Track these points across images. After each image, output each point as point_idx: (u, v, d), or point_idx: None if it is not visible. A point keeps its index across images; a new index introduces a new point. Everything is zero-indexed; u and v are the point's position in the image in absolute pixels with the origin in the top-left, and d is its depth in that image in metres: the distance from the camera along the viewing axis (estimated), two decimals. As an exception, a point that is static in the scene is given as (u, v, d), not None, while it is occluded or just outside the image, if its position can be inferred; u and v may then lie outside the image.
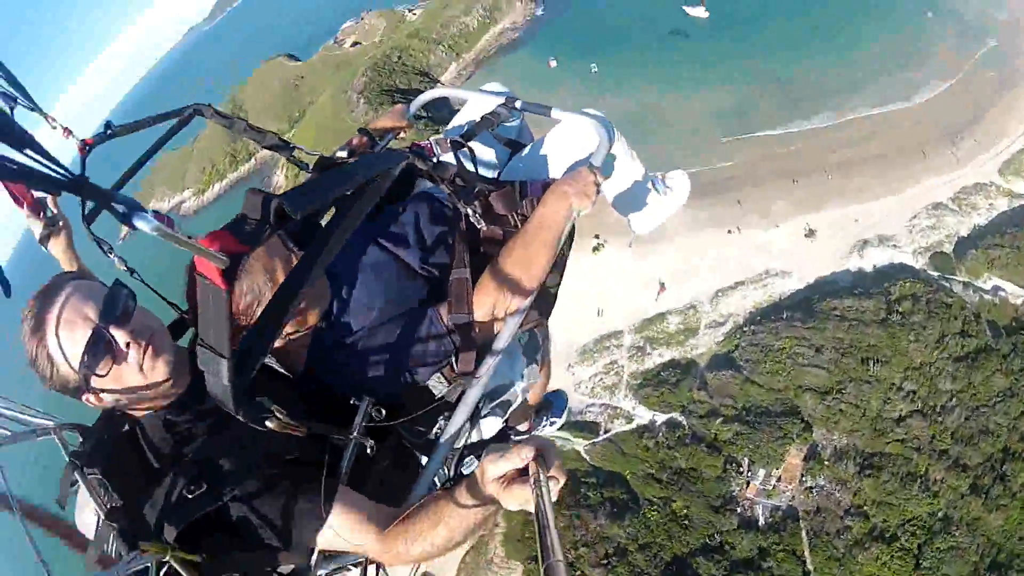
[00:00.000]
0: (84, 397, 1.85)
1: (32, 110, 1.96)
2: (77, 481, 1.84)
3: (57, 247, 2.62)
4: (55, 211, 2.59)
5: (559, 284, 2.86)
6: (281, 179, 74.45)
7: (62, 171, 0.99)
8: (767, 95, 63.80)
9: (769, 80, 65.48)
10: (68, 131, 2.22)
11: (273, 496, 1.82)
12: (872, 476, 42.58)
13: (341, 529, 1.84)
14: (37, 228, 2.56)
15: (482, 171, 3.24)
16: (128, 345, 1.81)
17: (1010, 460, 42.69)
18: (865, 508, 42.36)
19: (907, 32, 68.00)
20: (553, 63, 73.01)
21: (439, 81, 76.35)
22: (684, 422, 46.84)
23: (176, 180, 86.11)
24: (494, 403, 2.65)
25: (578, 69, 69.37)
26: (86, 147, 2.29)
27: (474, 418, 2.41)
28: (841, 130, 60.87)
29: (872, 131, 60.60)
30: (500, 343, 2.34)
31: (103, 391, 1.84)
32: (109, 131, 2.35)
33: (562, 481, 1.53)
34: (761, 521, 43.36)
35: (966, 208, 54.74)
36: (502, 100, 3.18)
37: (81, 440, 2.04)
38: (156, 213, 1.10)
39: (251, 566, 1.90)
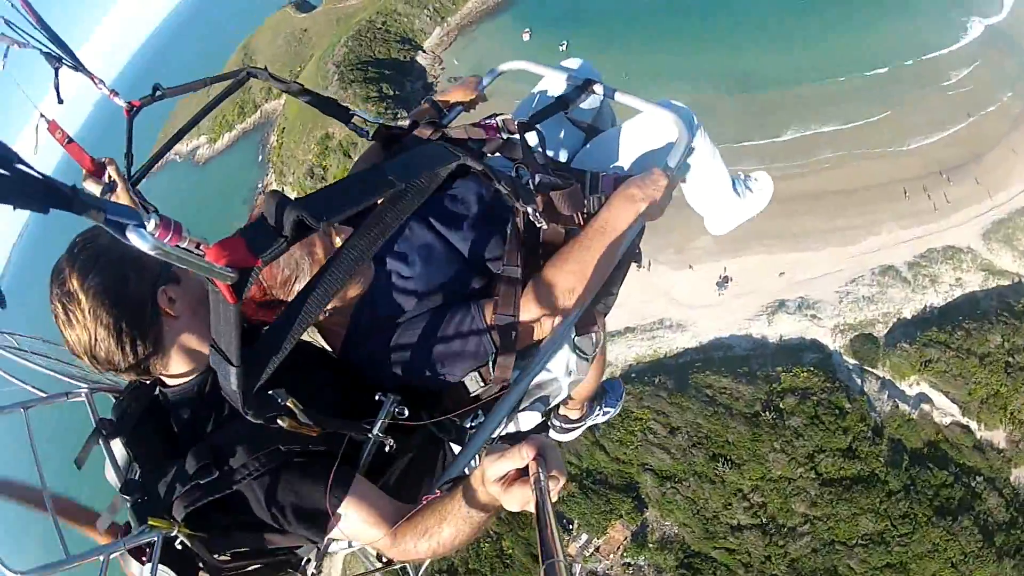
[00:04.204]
0: (161, 289, 1.67)
1: (77, 70, 1.88)
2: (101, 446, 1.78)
3: None
4: (113, 175, 2.16)
5: (622, 281, 2.40)
6: (273, 140, 69.69)
7: (53, 185, 0.89)
8: (731, 105, 48.64)
9: (740, 85, 50.32)
10: (115, 92, 2.11)
11: (285, 486, 1.66)
12: (688, 576, 35.24)
13: (350, 521, 1.68)
14: (96, 189, 2.16)
15: (551, 156, 2.65)
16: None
17: (850, 611, 33.14)
18: (678, 603, 35.52)
19: (928, 41, 49.16)
20: (527, 36, 62.12)
21: (421, 48, 66.65)
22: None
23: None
24: (535, 398, 2.24)
25: (549, 44, 57.51)
26: (132, 109, 2.16)
27: (512, 412, 2.11)
28: (807, 161, 45.98)
29: (843, 159, 45.58)
30: (543, 354, 2.00)
31: (175, 315, 1.70)
32: (158, 93, 2.18)
33: (562, 481, 1.37)
34: (575, 581, 38.37)
35: (922, 280, 39.96)
36: (581, 81, 2.65)
37: (113, 406, 1.91)
38: (163, 219, 0.90)
39: (258, 544, 1.76)
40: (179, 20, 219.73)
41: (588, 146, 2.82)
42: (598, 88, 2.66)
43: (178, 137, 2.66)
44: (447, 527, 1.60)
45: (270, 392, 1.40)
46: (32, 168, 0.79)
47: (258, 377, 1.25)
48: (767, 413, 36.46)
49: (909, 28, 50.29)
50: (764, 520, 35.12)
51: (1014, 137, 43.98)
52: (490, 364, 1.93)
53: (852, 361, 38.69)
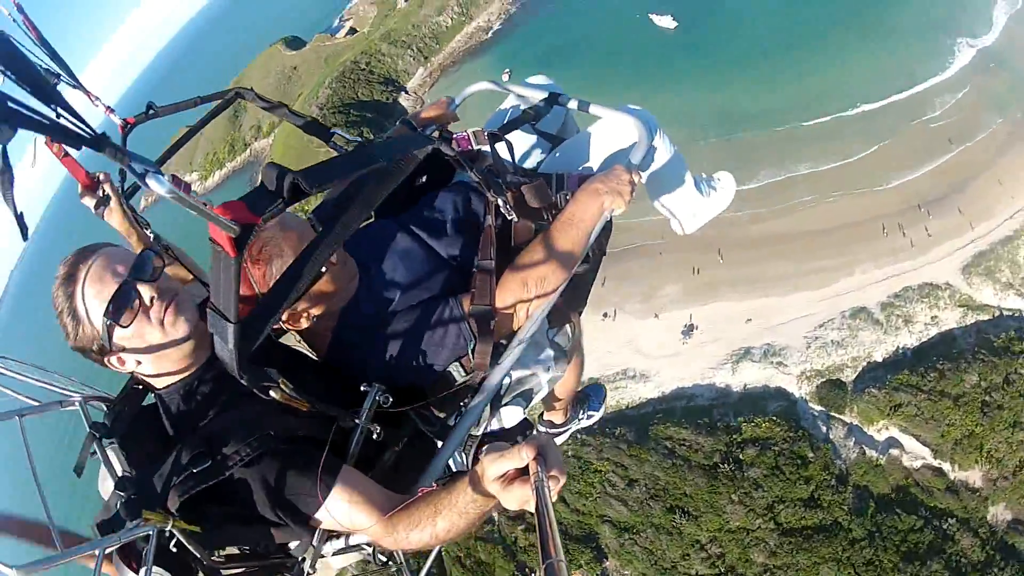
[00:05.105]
0: (106, 359, 1.69)
1: (74, 87, 1.92)
2: (96, 451, 1.79)
3: (113, 219, 2.30)
4: (107, 190, 2.23)
5: (593, 278, 2.54)
6: (260, 179, 71.60)
7: (85, 128, 0.94)
8: (707, 145, 47.28)
9: (717, 125, 48.82)
10: (110, 109, 2.16)
11: (276, 472, 1.66)
12: (648, 629, 34.25)
13: (341, 509, 1.67)
14: (91, 203, 2.24)
15: (520, 165, 2.78)
16: (152, 300, 1.68)
17: (815, 660, 31.77)
18: (638, 652, 34.67)
19: (914, 72, 47.10)
20: (506, 76, 61.74)
21: (404, 89, 67.01)
22: (496, 518, 39.74)
23: (186, 161, 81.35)
24: (516, 393, 2.32)
25: (528, 84, 58.08)
26: (127, 126, 2.20)
27: (494, 407, 2.18)
28: (781, 206, 44.53)
29: (819, 200, 44.07)
30: (519, 341, 2.09)
31: (125, 350, 1.69)
32: (151, 111, 2.27)
33: (562, 481, 1.37)
34: (536, 628, 38.05)
35: (895, 320, 38.05)
36: (546, 94, 2.77)
37: (105, 412, 1.93)
38: (174, 178, 0.98)
39: (252, 538, 1.76)
40: (177, 49, 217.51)
41: (555, 152, 2.95)
42: (567, 102, 2.76)
43: (170, 154, 2.74)
44: (441, 520, 1.61)
45: (264, 369, 1.48)
46: (70, 109, 0.89)
47: (254, 339, 1.28)
48: (726, 465, 35.40)
49: (895, 59, 48.21)
50: (723, 570, 33.95)
51: (1001, 165, 41.72)
52: (470, 352, 2.00)
53: (818, 408, 37.12)
